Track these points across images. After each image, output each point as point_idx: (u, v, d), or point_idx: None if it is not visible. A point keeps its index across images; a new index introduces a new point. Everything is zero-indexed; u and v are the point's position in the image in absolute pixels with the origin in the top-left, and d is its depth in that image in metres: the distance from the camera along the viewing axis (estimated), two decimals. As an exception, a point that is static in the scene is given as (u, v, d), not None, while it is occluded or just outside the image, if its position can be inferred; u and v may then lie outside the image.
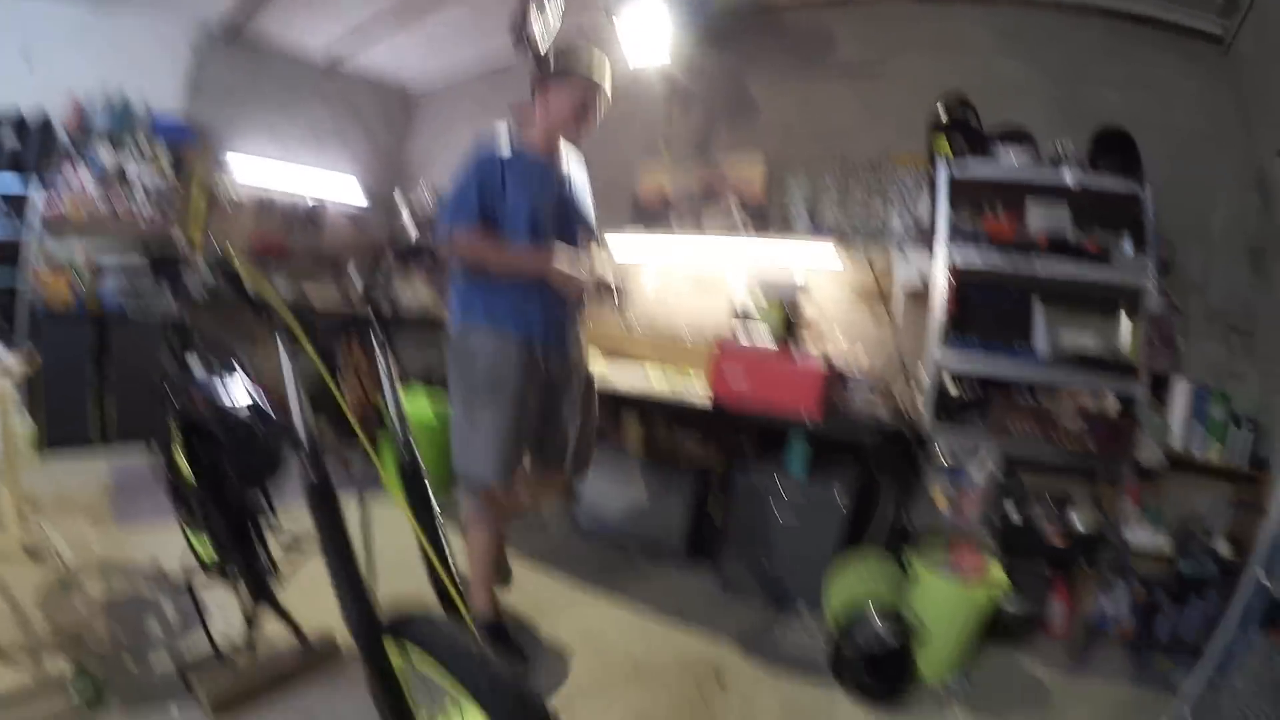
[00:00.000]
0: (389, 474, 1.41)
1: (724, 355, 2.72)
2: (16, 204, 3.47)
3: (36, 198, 3.47)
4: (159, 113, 3.81)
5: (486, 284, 1.99)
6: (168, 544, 2.56)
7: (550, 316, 2.04)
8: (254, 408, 1.78)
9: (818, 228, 3.20)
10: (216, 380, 1.88)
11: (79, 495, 3.08)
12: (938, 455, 2.48)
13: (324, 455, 1.30)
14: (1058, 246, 2.59)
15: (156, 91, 3.82)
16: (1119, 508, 2.43)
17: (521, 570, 2.70)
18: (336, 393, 1.32)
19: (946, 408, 2.57)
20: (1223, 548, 2.39)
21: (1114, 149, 2.63)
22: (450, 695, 1.21)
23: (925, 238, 2.79)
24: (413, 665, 1.20)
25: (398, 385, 1.50)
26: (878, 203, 3.12)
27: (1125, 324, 2.68)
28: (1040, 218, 2.70)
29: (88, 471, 3.36)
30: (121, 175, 3.68)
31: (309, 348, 1.28)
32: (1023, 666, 2.33)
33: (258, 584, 1.89)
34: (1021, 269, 2.57)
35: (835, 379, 2.65)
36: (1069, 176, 2.56)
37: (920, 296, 2.86)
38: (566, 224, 2.11)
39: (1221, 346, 2.66)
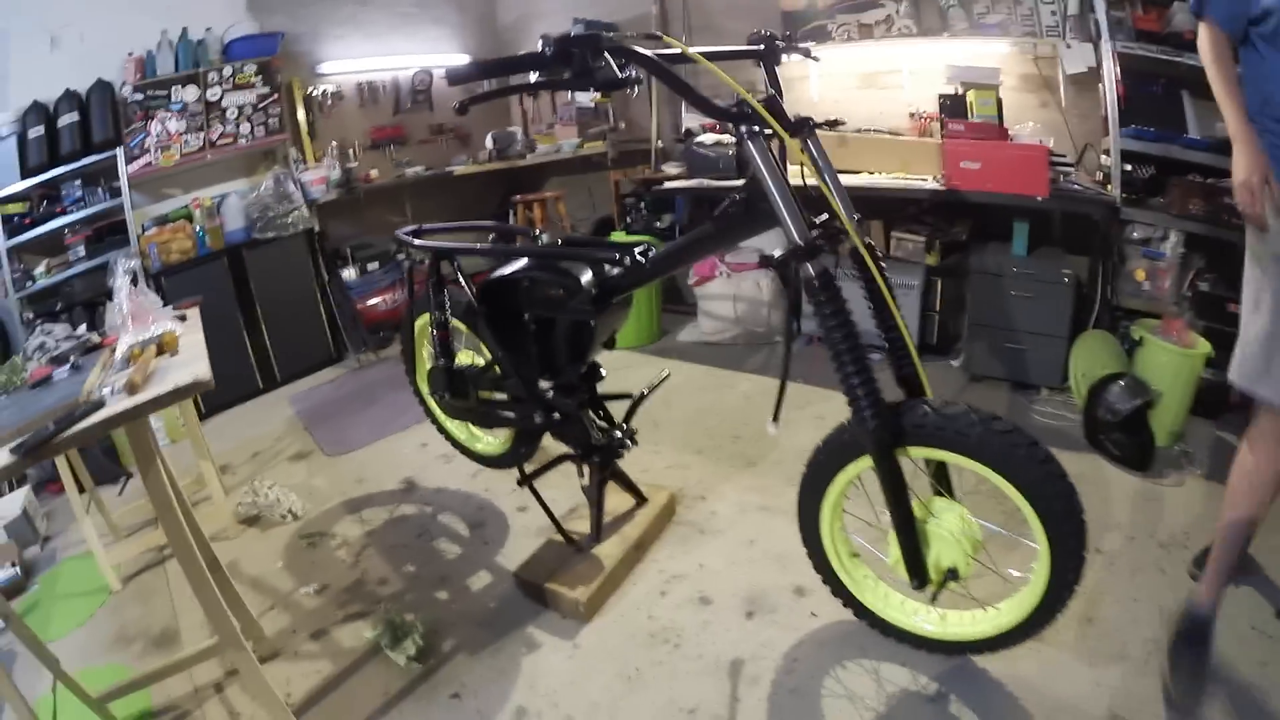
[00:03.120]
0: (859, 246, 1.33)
1: (955, 141, 2.83)
2: (101, 178, 3.23)
3: (122, 166, 3.22)
4: (230, 37, 3.54)
5: None
6: (395, 459, 2.36)
7: None
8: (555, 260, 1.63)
9: (977, 25, 3.10)
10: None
11: (272, 443, 2.68)
12: (1132, 233, 2.53)
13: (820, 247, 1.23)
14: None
15: (222, 20, 3.53)
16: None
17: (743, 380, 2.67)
18: (828, 191, 1.33)
19: (1133, 188, 2.59)
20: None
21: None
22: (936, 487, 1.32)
23: (1078, 29, 2.79)
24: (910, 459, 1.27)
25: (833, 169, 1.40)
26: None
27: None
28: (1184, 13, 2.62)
29: (267, 419, 2.92)
30: (209, 106, 3.43)
31: (790, 140, 1.26)
32: (1216, 433, 2.35)
33: (607, 457, 1.73)
34: (1173, 59, 2.52)
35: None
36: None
37: (1081, 83, 2.89)
38: None
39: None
